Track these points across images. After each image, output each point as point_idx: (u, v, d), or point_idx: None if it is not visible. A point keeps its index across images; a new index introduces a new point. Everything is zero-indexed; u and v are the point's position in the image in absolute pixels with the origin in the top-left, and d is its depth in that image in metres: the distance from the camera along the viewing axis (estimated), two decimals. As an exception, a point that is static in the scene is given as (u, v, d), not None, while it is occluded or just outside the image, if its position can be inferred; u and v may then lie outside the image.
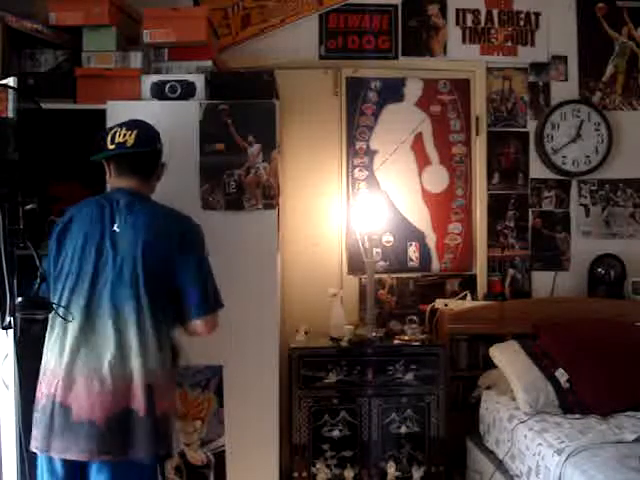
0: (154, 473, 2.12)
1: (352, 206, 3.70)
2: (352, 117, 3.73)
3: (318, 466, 3.20)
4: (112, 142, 2.23)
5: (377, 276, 3.60)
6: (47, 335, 2.15)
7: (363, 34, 3.72)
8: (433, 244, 3.76)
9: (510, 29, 3.79)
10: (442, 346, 3.37)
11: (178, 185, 2.77)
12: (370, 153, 3.74)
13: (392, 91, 3.74)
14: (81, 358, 2.06)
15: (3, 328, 2.17)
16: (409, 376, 3.24)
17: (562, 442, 2.64)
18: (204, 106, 2.81)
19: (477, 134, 3.78)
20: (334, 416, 3.22)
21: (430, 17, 3.76)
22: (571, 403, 3.03)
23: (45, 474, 2.08)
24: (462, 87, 3.78)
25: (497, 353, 3.35)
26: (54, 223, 2.83)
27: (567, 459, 2.50)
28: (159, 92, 2.86)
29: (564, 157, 3.78)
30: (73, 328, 2.08)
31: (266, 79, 2.94)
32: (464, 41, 3.77)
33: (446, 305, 3.60)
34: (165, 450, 2.13)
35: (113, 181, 2.28)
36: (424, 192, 3.76)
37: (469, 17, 3.77)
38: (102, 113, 2.74)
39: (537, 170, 3.81)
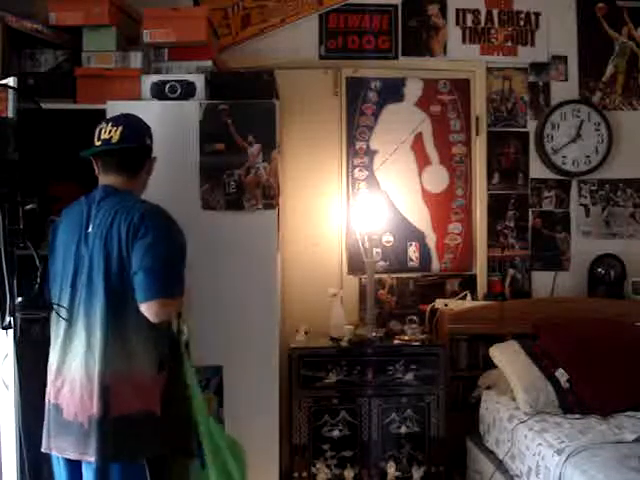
0: (139, 475, 2.07)
1: (352, 206, 3.70)
2: (352, 117, 3.73)
3: (318, 466, 3.20)
4: (98, 138, 2.22)
5: (377, 276, 3.60)
6: (51, 335, 2.17)
7: (363, 34, 3.72)
8: (433, 244, 3.76)
9: (510, 29, 3.79)
10: (442, 346, 3.37)
11: (178, 185, 2.77)
12: (370, 153, 3.74)
13: (392, 91, 3.74)
14: (67, 359, 2.10)
15: (3, 328, 2.17)
16: (409, 376, 3.24)
17: (562, 442, 2.64)
18: (204, 106, 2.81)
19: (477, 134, 3.78)
20: (334, 416, 3.22)
21: (430, 17, 3.76)
22: (571, 403, 3.03)
23: (55, 472, 2.16)
24: (462, 87, 3.78)
25: (497, 353, 3.34)
26: (54, 223, 2.84)
27: (567, 459, 2.50)
28: (159, 92, 2.86)
29: (564, 157, 3.78)
30: (61, 329, 2.12)
31: (266, 79, 2.94)
32: (464, 41, 3.77)
33: (446, 305, 3.59)
34: (137, 451, 2.07)
35: (101, 178, 2.26)
36: (424, 192, 3.76)
37: (469, 17, 3.77)
38: (102, 113, 2.73)
39: (537, 170, 3.81)
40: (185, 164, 2.80)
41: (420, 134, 3.76)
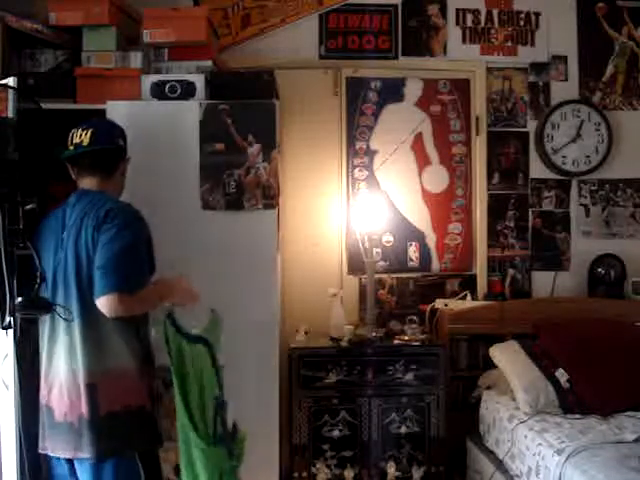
0: (132, 469, 2.11)
1: (352, 206, 3.70)
2: (352, 117, 3.73)
3: (318, 466, 3.20)
4: (71, 143, 2.25)
5: (377, 276, 3.60)
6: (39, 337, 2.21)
7: (363, 34, 3.72)
8: (433, 244, 3.76)
9: (510, 29, 3.79)
10: (442, 346, 3.37)
11: (178, 185, 2.77)
12: (370, 153, 3.74)
13: (392, 91, 3.74)
14: (53, 361, 2.14)
15: (3, 328, 2.17)
16: (409, 376, 3.24)
17: (562, 442, 2.64)
18: (204, 106, 2.81)
19: (477, 134, 3.78)
20: (334, 416, 3.22)
21: (430, 17, 3.76)
22: (571, 403, 3.03)
23: (58, 472, 2.21)
24: (462, 87, 3.78)
25: (497, 353, 3.34)
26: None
27: (567, 459, 2.50)
28: (159, 92, 2.86)
29: (564, 157, 3.78)
30: (46, 332, 2.16)
31: (266, 79, 2.94)
32: (464, 41, 3.77)
33: (446, 305, 3.59)
34: (128, 446, 2.11)
35: (78, 182, 2.29)
36: (424, 192, 3.76)
37: (469, 17, 3.77)
38: (102, 113, 2.74)
39: (537, 170, 3.81)
40: (185, 164, 2.80)
41: (420, 134, 3.76)
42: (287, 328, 3.39)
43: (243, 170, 2.81)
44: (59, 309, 2.08)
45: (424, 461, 3.24)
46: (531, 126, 3.81)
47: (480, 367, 3.55)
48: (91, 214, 2.12)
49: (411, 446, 3.24)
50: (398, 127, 3.73)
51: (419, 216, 3.76)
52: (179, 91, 2.85)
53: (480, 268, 3.77)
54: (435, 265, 3.76)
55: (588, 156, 3.78)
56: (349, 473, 3.20)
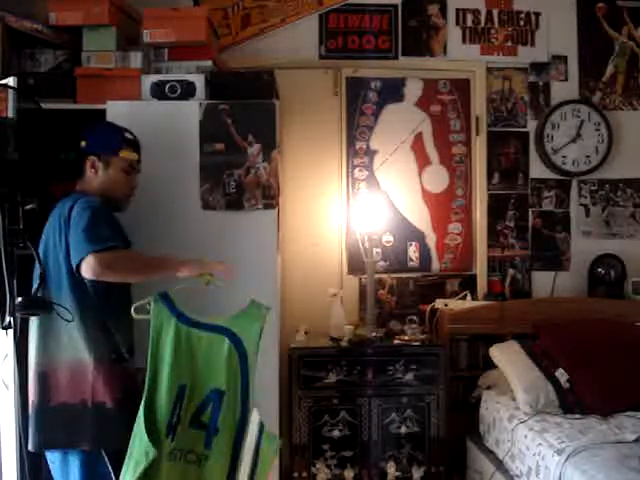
0: (99, 466, 2.10)
1: (352, 206, 3.70)
2: (352, 117, 3.73)
3: (318, 466, 3.19)
4: None
5: (377, 276, 3.60)
6: None
7: (363, 34, 3.72)
8: (433, 244, 3.76)
9: (510, 29, 3.79)
10: (442, 346, 3.37)
11: (178, 185, 2.77)
12: (370, 153, 3.74)
13: (392, 91, 3.74)
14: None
15: (3, 328, 2.17)
16: (409, 376, 3.24)
17: (562, 442, 2.64)
18: (204, 106, 2.81)
19: (477, 134, 3.78)
20: (334, 416, 3.22)
21: (430, 17, 3.76)
22: (571, 403, 3.03)
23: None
24: (462, 87, 3.78)
25: (497, 353, 3.34)
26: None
27: (567, 459, 2.50)
28: (159, 92, 2.86)
29: (564, 157, 3.78)
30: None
31: (266, 79, 2.94)
32: (464, 41, 3.77)
33: (446, 305, 3.59)
34: (77, 441, 2.10)
35: None
36: (424, 192, 3.76)
37: (469, 17, 3.77)
38: (102, 113, 2.74)
39: (537, 170, 3.81)
40: (185, 164, 2.80)
41: (420, 134, 3.76)
42: (287, 328, 3.39)
43: (243, 170, 2.81)
44: (59, 309, 2.08)
45: (424, 461, 3.24)
46: (531, 126, 3.81)
47: (480, 367, 3.55)
48: (58, 212, 2.21)
49: (411, 446, 3.24)
50: (398, 127, 3.74)
51: (419, 216, 3.76)
52: (179, 91, 2.85)
53: (480, 268, 3.77)
54: (435, 265, 3.77)
55: (588, 156, 3.79)
56: (349, 473, 3.20)
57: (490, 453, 3.17)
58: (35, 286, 2.14)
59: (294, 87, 3.58)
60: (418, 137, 3.75)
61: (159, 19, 2.97)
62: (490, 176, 3.79)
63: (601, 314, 3.47)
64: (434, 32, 3.76)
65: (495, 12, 3.78)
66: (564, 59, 3.80)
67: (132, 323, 2.29)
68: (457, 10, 3.77)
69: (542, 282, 3.79)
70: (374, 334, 3.38)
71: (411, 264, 3.75)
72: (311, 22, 3.71)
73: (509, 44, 3.79)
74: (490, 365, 3.40)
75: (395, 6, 3.74)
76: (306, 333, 3.42)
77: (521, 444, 2.85)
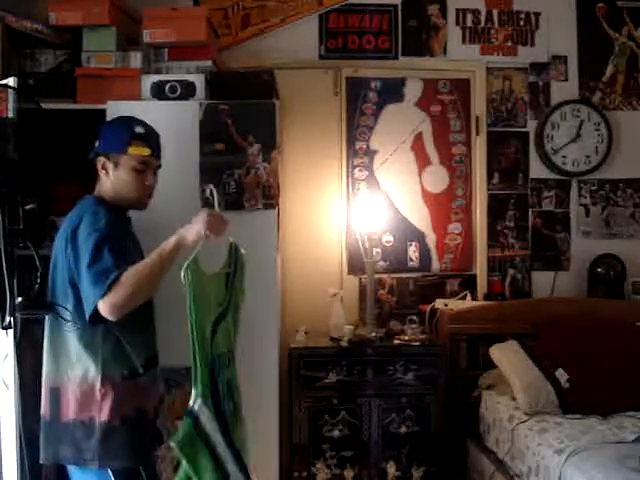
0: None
1: (352, 206, 3.70)
2: (352, 117, 3.73)
3: (318, 466, 3.20)
4: None
5: (377, 276, 3.60)
6: None
7: (363, 34, 3.72)
8: (433, 244, 3.76)
9: (510, 29, 3.79)
10: (442, 346, 3.37)
11: (178, 185, 2.77)
12: (370, 153, 3.74)
13: (392, 91, 3.74)
14: None
15: (3, 328, 2.17)
16: (409, 376, 3.24)
17: (562, 442, 2.64)
18: (204, 106, 2.81)
19: (477, 134, 3.78)
20: (334, 416, 3.22)
21: (430, 17, 3.76)
22: (571, 403, 3.03)
23: None
24: (462, 87, 3.78)
25: (497, 353, 3.34)
26: (54, 223, 2.84)
27: (567, 459, 2.50)
28: (159, 92, 2.86)
29: (564, 157, 3.78)
30: None
31: (266, 79, 2.94)
32: (464, 41, 3.77)
33: (446, 305, 3.59)
34: (81, 458, 2.04)
35: None
36: (424, 192, 3.76)
37: (469, 17, 3.77)
38: (102, 113, 2.74)
39: (537, 170, 3.81)
40: (185, 164, 2.80)
41: (420, 134, 3.76)
42: (287, 328, 3.39)
43: (243, 170, 2.81)
44: (60, 309, 2.07)
45: (424, 461, 3.23)
46: (531, 126, 3.81)
47: (480, 367, 3.55)
48: (66, 223, 2.13)
49: (411, 446, 3.24)
50: (398, 127, 3.74)
51: (419, 216, 3.76)
52: (179, 91, 2.85)
53: (480, 268, 3.77)
54: (435, 265, 3.77)
55: (588, 156, 3.79)
56: (349, 473, 3.20)
57: (490, 453, 3.17)
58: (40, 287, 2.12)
59: (294, 87, 3.58)
60: (418, 137, 3.75)
61: (159, 19, 2.97)
62: (490, 176, 3.79)
63: (601, 314, 3.46)
64: (434, 32, 3.76)
65: (495, 12, 3.78)
66: (564, 59, 3.80)
67: (153, 333, 2.25)
68: (457, 10, 3.77)
69: (542, 282, 3.79)
70: (374, 334, 3.38)
71: (411, 264, 3.75)
72: (311, 22, 3.71)
73: (509, 44, 3.79)
74: (490, 365, 3.40)
75: (395, 6, 3.74)
76: (306, 333, 3.42)
77: (521, 444, 2.85)
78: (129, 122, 2.24)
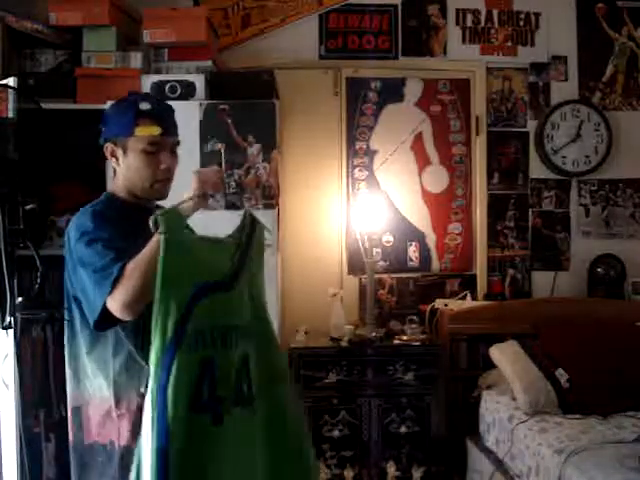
0: None
1: (352, 206, 3.70)
2: (352, 117, 3.73)
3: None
4: None
5: (377, 276, 3.60)
6: None
7: (363, 34, 3.72)
8: (433, 244, 3.76)
9: (510, 29, 3.79)
10: (442, 346, 3.37)
11: (178, 185, 2.77)
12: (370, 153, 3.74)
13: (392, 91, 3.74)
14: None
15: (3, 328, 2.17)
16: (409, 376, 3.24)
17: (562, 442, 2.64)
18: (204, 106, 2.82)
19: (477, 134, 3.78)
20: (334, 416, 3.22)
21: (430, 17, 3.76)
22: (571, 403, 3.03)
23: None
24: (462, 87, 3.78)
25: (497, 353, 3.34)
26: (54, 223, 2.84)
27: (567, 459, 2.50)
28: (159, 92, 2.86)
29: (564, 157, 3.78)
30: None
31: (266, 79, 2.95)
32: (464, 41, 3.77)
33: (446, 305, 3.59)
34: None
35: None
36: (424, 192, 3.76)
37: (469, 17, 3.77)
38: (102, 113, 2.73)
39: (537, 170, 3.81)
40: (185, 164, 2.79)
41: (420, 134, 3.76)
42: (287, 328, 3.39)
43: (243, 170, 2.81)
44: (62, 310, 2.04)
45: (424, 461, 3.23)
46: (531, 126, 3.81)
47: (480, 367, 3.54)
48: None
49: (411, 446, 3.24)
50: (398, 127, 3.74)
51: (419, 216, 3.76)
52: (179, 91, 2.85)
53: (480, 268, 3.77)
54: (435, 265, 3.77)
55: (588, 156, 3.79)
56: (349, 473, 3.20)
57: (490, 453, 3.17)
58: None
59: (294, 87, 3.58)
60: (418, 137, 3.75)
61: (159, 19, 2.98)
62: (490, 176, 3.79)
63: (601, 314, 3.46)
64: (434, 32, 3.76)
65: (495, 12, 3.78)
66: (564, 59, 3.80)
67: None
68: (457, 10, 3.77)
69: (542, 282, 3.79)
70: (374, 334, 3.38)
71: (411, 264, 3.75)
72: (311, 22, 3.71)
73: (509, 44, 3.79)
74: (490, 365, 3.40)
75: (395, 6, 3.74)
76: (306, 333, 3.42)
77: (521, 444, 2.85)
78: (134, 99, 1.94)
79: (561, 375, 3.11)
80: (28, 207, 2.21)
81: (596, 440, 2.64)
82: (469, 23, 3.78)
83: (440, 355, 3.29)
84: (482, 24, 3.78)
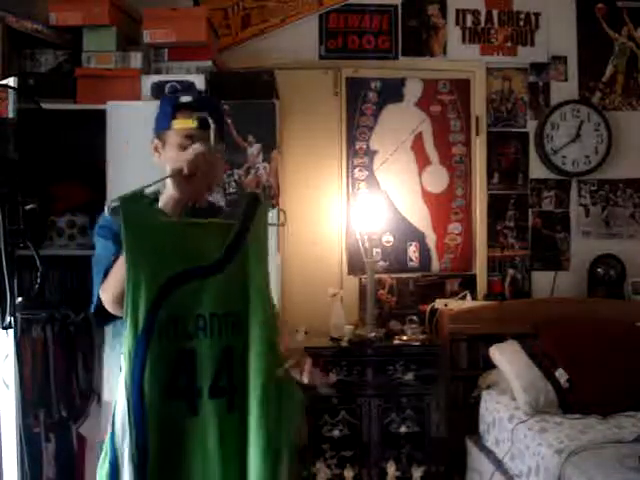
0: None
1: (352, 206, 3.70)
2: (352, 117, 3.73)
3: (318, 466, 3.20)
4: None
5: (377, 276, 3.60)
6: None
7: (363, 34, 3.72)
8: (433, 244, 3.76)
9: (510, 29, 3.79)
10: (442, 346, 3.37)
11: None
12: (370, 153, 3.74)
13: (392, 91, 3.75)
14: None
15: (3, 328, 2.17)
16: (409, 376, 3.24)
17: (562, 442, 2.64)
18: (204, 106, 2.81)
19: (477, 134, 3.78)
20: (334, 416, 3.22)
21: (430, 17, 3.76)
22: (571, 403, 3.03)
23: None
24: (462, 87, 3.78)
25: (497, 353, 3.34)
26: (54, 223, 2.83)
27: (567, 459, 2.50)
28: (159, 92, 2.85)
29: (564, 157, 3.78)
30: None
31: (266, 79, 2.94)
32: (464, 41, 3.77)
33: (446, 305, 3.59)
34: None
35: None
36: (424, 192, 3.76)
37: (469, 17, 3.77)
38: (102, 113, 2.74)
39: (537, 170, 3.81)
40: (185, 164, 2.79)
41: (420, 134, 3.76)
42: (287, 328, 3.39)
43: (243, 170, 2.81)
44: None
45: (424, 461, 3.24)
46: (531, 126, 3.81)
47: (480, 367, 3.54)
48: None
49: (411, 446, 3.24)
50: (398, 127, 3.74)
51: (419, 216, 3.76)
52: (179, 91, 2.85)
53: (480, 268, 3.77)
54: (435, 265, 3.77)
55: (588, 156, 3.79)
56: (349, 473, 3.20)
57: (490, 453, 3.17)
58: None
59: (294, 87, 3.57)
60: (418, 137, 3.76)
61: (159, 19, 2.98)
62: (490, 176, 3.79)
63: (601, 314, 3.47)
64: (434, 32, 3.76)
65: (495, 12, 3.78)
66: (564, 59, 3.80)
67: None
68: (457, 10, 3.77)
69: (542, 282, 3.79)
70: (374, 334, 3.38)
71: (411, 264, 3.76)
72: (311, 22, 3.71)
73: (509, 44, 3.79)
74: (490, 365, 3.40)
75: (395, 6, 3.74)
76: (306, 333, 3.41)
77: (521, 444, 2.85)
78: (177, 89, 1.90)
79: (561, 375, 3.11)
80: (28, 207, 2.22)
81: (596, 440, 2.64)
82: (469, 23, 3.78)
83: (440, 355, 3.29)
84: (482, 24, 3.78)
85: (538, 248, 3.81)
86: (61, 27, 2.97)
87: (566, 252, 3.82)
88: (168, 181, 1.60)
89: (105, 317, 1.65)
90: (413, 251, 3.75)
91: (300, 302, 3.55)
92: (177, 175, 1.58)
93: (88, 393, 2.83)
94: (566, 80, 3.81)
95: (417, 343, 3.34)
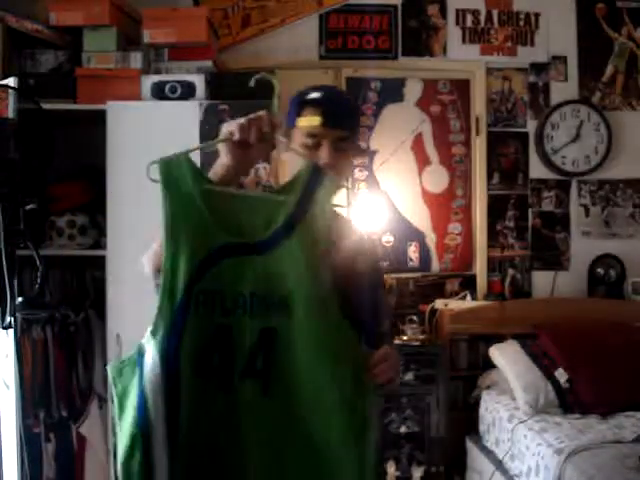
0: None
1: (352, 206, 3.70)
2: (352, 117, 3.72)
3: (318, 466, 3.19)
4: None
5: (377, 276, 3.60)
6: None
7: (363, 34, 3.72)
8: (433, 244, 3.76)
9: (510, 29, 3.79)
10: (442, 346, 3.37)
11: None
12: (370, 153, 3.74)
13: (392, 91, 3.75)
14: None
15: (3, 328, 2.18)
16: (409, 376, 3.24)
17: (562, 442, 2.64)
18: (204, 106, 2.82)
19: (477, 134, 3.78)
20: (334, 416, 3.21)
21: (430, 17, 3.76)
22: (571, 403, 3.03)
23: None
24: (462, 87, 3.78)
25: (497, 353, 3.35)
26: (54, 223, 2.84)
27: (567, 459, 2.51)
28: (159, 92, 2.86)
29: (564, 157, 3.78)
30: None
31: (266, 79, 2.94)
32: (464, 41, 3.77)
33: (446, 305, 3.59)
34: None
35: None
36: (424, 192, 3.76)
37: (469, 17, 3.77)
38: (102, 113, 2.74)
39: (537, 170, 3.81)
40: (185, 164, 2.79)
41: (420, 134, 3.76)
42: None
43: (243, 170, 2.81)
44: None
45: (424, 461, 3.24)
46: (531, 126, 3.81)
47: (480, 367, 3.55)
48: None
49: (411, 446, 3.24)
50: (398, 127, 3.74)
51: (419, 216, 3.76)
52: (179, 91, 2.85)
53: (480, 268, 3.77)
54: (435, 265, 3.77)
55: (588, 156, 3.79)
56: (349, 473, 3.19)
57: (490, 453, 3.17)
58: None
59: (294, 87, 3.55)
60: (418, 137, 3.76)
61: (159, 19, 2.97)
62: (490, 176, 3.79)
63: (601, 314, 3.47)
64: (434, 32, 3.76)
65: (495, 12, 3.78)
66: (564, 59, 3.80)
67: None
68: (457, 10, 3.76)
69: (542, 282, 3.79)
70: (374, 334, 3.37)
71: (411, 264, 3.76)
72: (311, 22, 3.71)
73: (509, 44, 3.79)
74: (490, 365, 3.41)
75: (395, 6, 3.74)
76: (306, 333, 3.41)
77: (521, 444, 2.85)
78: (311, 88, 1.81)
79: (561, 375, 3.11)
80: (28, 207, 2.22)
81: (596, 440, 2.65)
82: (469, 23, 3.78)
83: (440, 355, 3.29)
84: (482, 24, 3.78)
85: (538, 248, 3.81)
86: (61, 27, 2.98)
87: (566, 252, 3.82)
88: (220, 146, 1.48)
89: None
90: (413, 251, 3.75)
91: (300, 302, 3.55)
92: (228, 140, 1.48)
93: (88, 393, 2.83)
94: (566, 80, 3.81)
95: (417, 343, 3.34)
